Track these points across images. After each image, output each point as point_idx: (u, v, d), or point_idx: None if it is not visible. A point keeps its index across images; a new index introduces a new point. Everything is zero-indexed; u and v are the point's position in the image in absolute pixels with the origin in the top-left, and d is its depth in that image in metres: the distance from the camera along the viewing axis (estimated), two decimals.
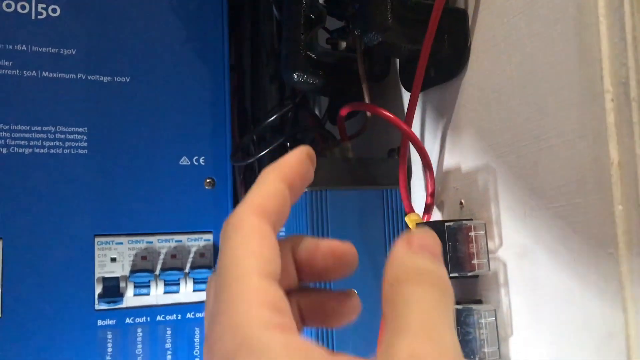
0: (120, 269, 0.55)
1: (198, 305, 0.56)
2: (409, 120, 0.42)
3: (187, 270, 0.56)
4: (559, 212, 0.33)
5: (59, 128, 0.53)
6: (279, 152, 0.61)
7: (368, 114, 0.48)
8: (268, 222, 0.24)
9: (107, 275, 0.54)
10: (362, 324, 0.43)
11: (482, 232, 0.37)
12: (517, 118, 0.36)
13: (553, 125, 0.33)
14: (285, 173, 0.26)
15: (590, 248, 0.31)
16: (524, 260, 0.35)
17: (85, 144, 0.54)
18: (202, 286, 0.56)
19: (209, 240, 0.57)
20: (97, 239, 0.54)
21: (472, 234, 0.36)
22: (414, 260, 0.22)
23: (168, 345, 0.55)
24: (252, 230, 0.23)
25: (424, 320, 0.20)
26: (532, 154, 0.35)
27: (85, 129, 0.54)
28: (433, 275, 0.21)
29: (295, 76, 0.48)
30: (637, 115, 0.29)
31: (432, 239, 0.23)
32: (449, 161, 0.43)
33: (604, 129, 0.30)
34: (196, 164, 0.57)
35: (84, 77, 0.55)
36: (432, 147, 0.44)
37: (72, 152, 0.54)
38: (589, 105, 0.31)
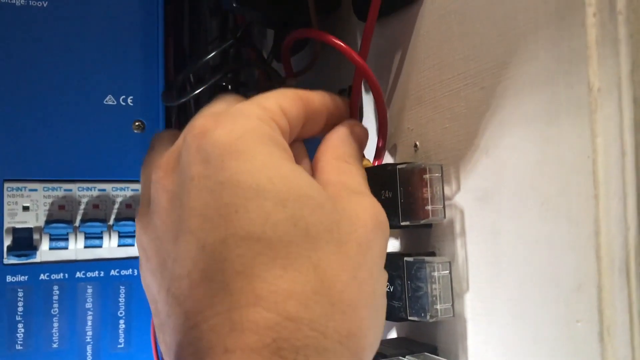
0: (33, 219, 0.48)
1: (123, 262, 0.50)
2: (363, 52, 0.37)
3: (111, 222, 0.50)
4: (527, 148, 0.28)
5: None
6: (219, 91, 0.55)
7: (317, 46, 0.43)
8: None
9: (18, 226, 0.48)
10: None
11: (438, 174, 0.32)
12: (483, 44, 0.31)
13: (523, 49, 0.29)
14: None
15: (563, 188, 0.26)
16: (484, 206, 0.31)
17: None
18: (128, 240, 0.50)
19: (136, 190, 0.51)
20: (6, 185, 0.47)
21: (427, 176, 0.32)
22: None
23: (89, 305, 0.49)
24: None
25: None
26: (498, 83, 0.30)
27: None
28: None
29: None
30: (623, 31, 0.25)
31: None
32: (404, 100, 0.38)
33: (583, 48, 0.26)
34: (123, 103, 0.51)
35: None
36: (385, 84, 0.39)
37: None
38: (566, 22, 0.26)
